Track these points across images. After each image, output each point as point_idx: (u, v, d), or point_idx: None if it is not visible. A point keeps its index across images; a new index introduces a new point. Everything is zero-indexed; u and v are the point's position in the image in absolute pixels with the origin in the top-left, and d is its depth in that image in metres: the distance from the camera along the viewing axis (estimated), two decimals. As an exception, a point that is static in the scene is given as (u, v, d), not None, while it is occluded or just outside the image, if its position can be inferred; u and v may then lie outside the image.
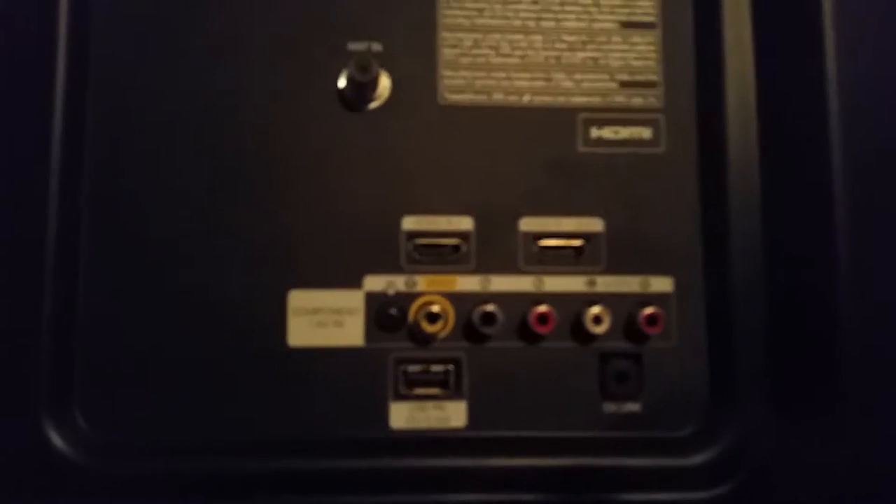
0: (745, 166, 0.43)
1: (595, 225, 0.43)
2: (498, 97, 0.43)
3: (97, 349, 0.40)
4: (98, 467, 0.39)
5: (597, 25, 0.44)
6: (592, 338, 0.42)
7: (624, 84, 0.44)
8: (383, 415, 0.41)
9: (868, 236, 0.40)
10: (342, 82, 0.42)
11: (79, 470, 0.39)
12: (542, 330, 0.41)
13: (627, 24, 0.44)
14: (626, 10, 0.44)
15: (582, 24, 0.44)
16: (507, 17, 0.44)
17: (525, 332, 0.42)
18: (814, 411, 0.41)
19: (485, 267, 0.42)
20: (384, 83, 0.42)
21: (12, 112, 0.40)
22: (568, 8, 0.44)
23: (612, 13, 0.44)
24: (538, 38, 0.44)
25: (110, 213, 0.41)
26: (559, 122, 0.43)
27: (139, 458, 0.40)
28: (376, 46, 0.43)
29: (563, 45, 0.44)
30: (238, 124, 0.42)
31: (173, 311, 0.41)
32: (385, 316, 0.41)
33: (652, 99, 0.44)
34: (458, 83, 0.43)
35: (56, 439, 0.39)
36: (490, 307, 0.41)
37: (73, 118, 0.41)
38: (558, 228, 0.43)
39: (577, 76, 0.44)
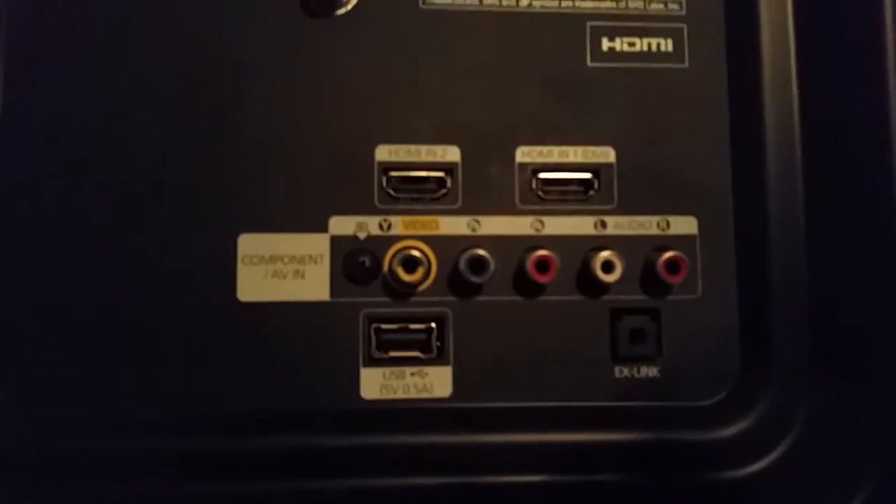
0: (781, 84, 0.39)
1: (606, 155, 0.38)
2: (491, 1, 0.39)
3: (15, 312, 0.36)
4: (13, 445, 0.36)
5: (609, -85, 0.39)
6: (602, 289, 0.38)
7: None
8: (353, 383, 0.37)
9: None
10: (304, -18, 0.38)
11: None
12: (542, 279, 0.37)
13: (645, -85, 0.40)
14: None
15: (593, -86, 0.39)
16: None
17: (522, 282, 0.37)
18: (861, 374, 0.37)
19: (474, 206, 0.38)
20: (354, -17, 0.38)
21: None
22: None
23: None
24: (539, -71, 0.39)
25: (21, 139, 0.36)
26: (564, 31, 0.39)
27: (59, 436, 0.36)
28: (343, -62, 0.38)
29: (569, -61, 0.39)
30: (180, 34, 0.37)
31: (98, 262, 0.36)
32: (355, 265, 0.37)
33: (673, 5, 0.39)
34: (442, -17, 0.38)
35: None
36: (480, 252, 0.37)
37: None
38: (562, 159, 0.38)
39: (586, -24, 0.39)
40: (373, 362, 0.37)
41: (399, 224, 0.37)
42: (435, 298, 0.37)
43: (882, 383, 0.36)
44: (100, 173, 0.36)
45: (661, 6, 0.39)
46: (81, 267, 0.36)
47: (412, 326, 0.37)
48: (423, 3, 0.38)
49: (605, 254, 0.37)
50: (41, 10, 0.37)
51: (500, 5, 0.38)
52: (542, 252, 0.37)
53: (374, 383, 0.37)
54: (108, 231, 0.36)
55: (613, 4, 0.39)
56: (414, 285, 0.37)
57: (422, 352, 0.37)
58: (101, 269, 0.36)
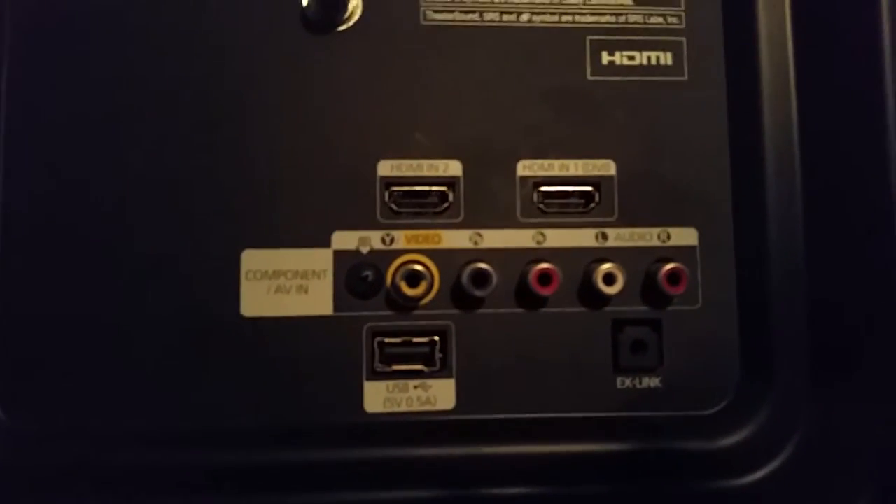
0: (780, 96, 0.39)
1: (606, 168, 0.39)
2: (491, 16, 0.39)
3: (15, 325, 0.36)
4: (18, 460, 0.36)
5: (608, -70, 0.39)
6: (604, 300, 0.38)
7: (640, 0, 0.39)
8: (357, 396, 0.37)
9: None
10: (305, -1, 0.38)
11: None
12: (544, 292, 0.37)
13: (644, -70, 0.40)
14: (643, -87, 0.40)
15: (590, -71, 0.39)
16: (502, -80, 0.39)
17: (524, 295, 0.38)
18: (859, 384, 0.37)
19: (476, 219, 0.38)
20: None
21: None
22: (575, -90, 0.39)
23: (626, -85, 0.40)
24: (539, -56, 0.39)
25: (30, 159, 0.36)
26: (564, 45, 0.39)
27: (66, 451, 0.36)
28: (344, -45, 0.38)
29: (569, -46, 0.39)
30: (183, 51, 0.37)
31: (105, 278, 0.36)
32: (358, 279, 0.37)
33: (673, 18, 0.40)
34: (443, -1, 0.38)
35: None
36: (482, 265, 0.37)
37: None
38: (563, 173, 0.38)
39: (586, -10, 0.39)
40: (376, 376, 0.37)
41: (402, 238, 0.37)
42: (438, 312, 0.37)
43: (880, 394, 0.36)
44: (104, 189, 0.36)
45: (661, 20, 0.39)
46: (86, 281, 0.36)
47: (415, 340, 0.37)
48: (425, 18, 0.38)
49: (606, 266, 0.37)
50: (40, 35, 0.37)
51: (501, 20, 0.38)
52: (544, 265, 0.37)
53: (378, 397, 0.37)
54: (113, 246, 0.36)
55: (613, 18, 0.39)
56: (417, 299, 0.37)
57: (425, 365, 0.37)
58: (106, 284, 0.36)
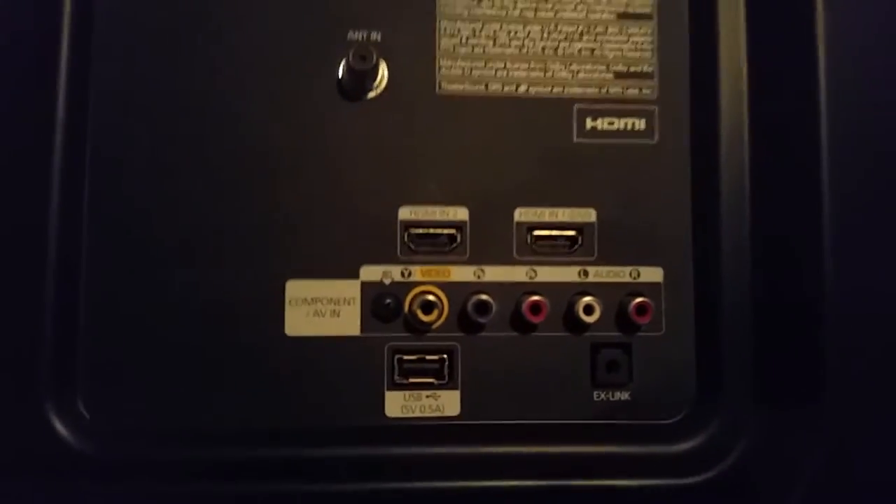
0: (736, 158, 0.43)
1: (588, 215, 0.43)
2: (495, 87, 0.43)
3: (99, 338, 0.40)
4: (99, 454, 0.39)
5: (594, 16, 0.44)
6: (584, 327, 0.42)
7: (619, 75, 0.44)
8: (379, 403, 0.41)
9: (856, 231, 0.40)
10: (341, 72, 0.42)
11: (80, 457, 0.39)
12: (534, 319, 0.41)
13: (624, 16, 0.44)
14: (623, 2, 0.44)
15: (579, 15, 0.44)
16: (505, 7, 0.43)
17: (518, 321, 0.42)
18: (795, 403, 0.41)
19: (479, 257, 0.42)
20: (383, 72, 0.42)
21: (14, 108, 0.40)
22: (565, -1, 0.43)
23: (609, 4, 0.44)
24: (536, 28, 0.43)
25: (112, 205, 0.41)
26: (555, 112, 0.43)
27: (139, 446, 0.40)
28: (375, 35, 0.42)
29: (560, 36, 0.44)
30: (236, 114, 0.41)
31: (173, 302, 0.40)
32: (381, 306, 0.41)
33: (646, 90, 0.44)
34: (455, 73, 0.43)
35: (59, 427, 0.39)
36: (484, 297, 0.41)
37: (75, 113, 0.41)
38: (552, 219, 0.43)
39: (574, 67, 0.43)
40: (395, 386, 0.41)
41: (418, 272, 0.42)
42: (446, 334, 0.42)
43: (811, 411, 0.40)
44: (177, 231, 0.41)
45: (636, 91, 0.43)
46: (159, 304, 0.40)
47: (428, 357, 0.41)
48: (440, 88, 0.42)
49: (586, 299, 0.41)
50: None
51: (503, 91, 0.43)
52: (535, 297, 0.41)
53: (397, 404, 0.41)
54: (181, 276, 0.41)
55: (596, 90, 0.43)
56: (429, 324, 0.41)
57: (435, 378, 0.41)
58: (178, 307, 0.40)
